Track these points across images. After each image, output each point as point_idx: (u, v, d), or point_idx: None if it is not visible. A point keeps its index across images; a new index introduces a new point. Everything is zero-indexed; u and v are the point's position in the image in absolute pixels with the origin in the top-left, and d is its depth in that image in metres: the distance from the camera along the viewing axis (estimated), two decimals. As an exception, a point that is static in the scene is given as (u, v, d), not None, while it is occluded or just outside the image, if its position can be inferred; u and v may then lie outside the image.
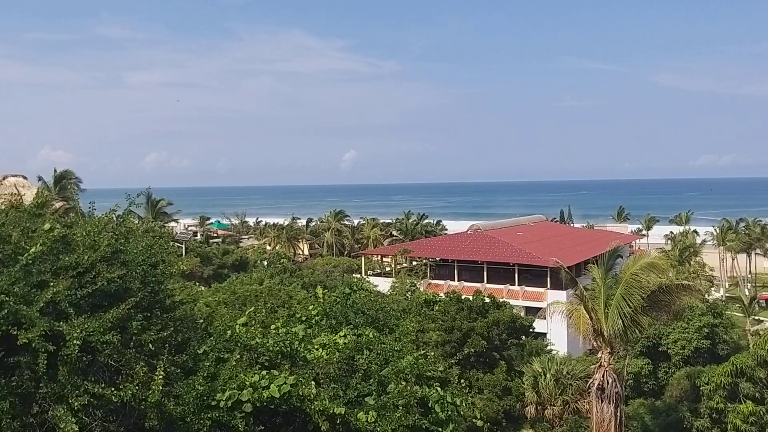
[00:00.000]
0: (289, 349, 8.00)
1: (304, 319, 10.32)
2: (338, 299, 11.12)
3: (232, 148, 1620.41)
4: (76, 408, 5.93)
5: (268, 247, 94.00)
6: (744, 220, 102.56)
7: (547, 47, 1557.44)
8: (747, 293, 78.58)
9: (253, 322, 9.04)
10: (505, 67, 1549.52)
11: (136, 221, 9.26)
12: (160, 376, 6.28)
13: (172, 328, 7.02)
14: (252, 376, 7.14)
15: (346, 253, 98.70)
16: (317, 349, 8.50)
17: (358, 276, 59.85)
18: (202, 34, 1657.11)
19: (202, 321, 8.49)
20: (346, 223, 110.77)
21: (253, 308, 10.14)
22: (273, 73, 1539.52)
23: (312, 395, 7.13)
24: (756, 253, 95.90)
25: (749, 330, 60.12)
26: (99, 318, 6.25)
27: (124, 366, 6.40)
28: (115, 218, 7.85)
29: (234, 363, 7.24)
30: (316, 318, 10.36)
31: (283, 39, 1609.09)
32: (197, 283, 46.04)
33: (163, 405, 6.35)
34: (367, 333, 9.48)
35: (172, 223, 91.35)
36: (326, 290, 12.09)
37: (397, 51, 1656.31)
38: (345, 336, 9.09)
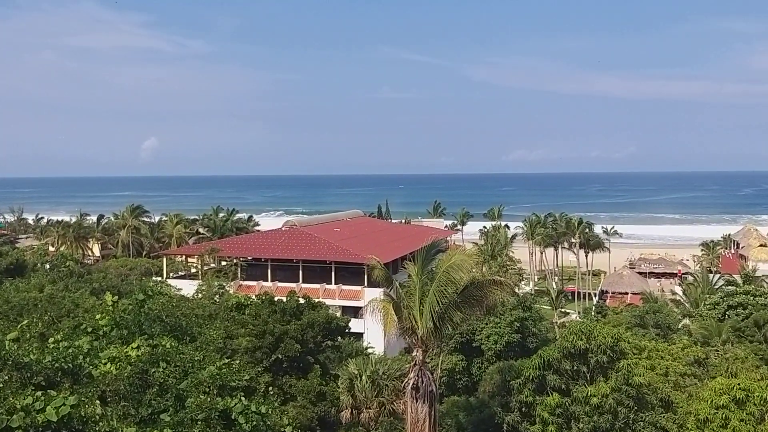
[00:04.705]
0: (71, 365, 7.60)
1: (90, 330, 9.83)
2: (131, 306, 10.72)
3: (6, 133, 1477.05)
4: None
5: (52, 248, 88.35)
6: (552, 215, 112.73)
7: (365, 36, 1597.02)
8: (555, 286, 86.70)
9: (28, 336, 8.45)
10: (324, 54, 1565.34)
11: None
12: None
13: None
14: (24, 399, 6.68)
15: (144, 253, 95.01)
16: (105, 364, 8.17)
17: (158, 279, 57.66)
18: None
19: (-38, 338, 7.79)
20: (146, 219, 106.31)
21: (27, 321, 9.46)
22: (58, 48, 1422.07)
23: (97, 416, 6.82)
24: (563, 247, 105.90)
25: (557, 322, 66.46)
26: None
27: None
28: None
29: (2, 385, 6.74)
30: (105, 329, 9.92)
31: (70, 9, 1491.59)
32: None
33: None
34: (164, 343, 9.24)
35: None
36: (118, 297, 11.59)
37: (204, 30, 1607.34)
38: (138, 347, 8.82)
